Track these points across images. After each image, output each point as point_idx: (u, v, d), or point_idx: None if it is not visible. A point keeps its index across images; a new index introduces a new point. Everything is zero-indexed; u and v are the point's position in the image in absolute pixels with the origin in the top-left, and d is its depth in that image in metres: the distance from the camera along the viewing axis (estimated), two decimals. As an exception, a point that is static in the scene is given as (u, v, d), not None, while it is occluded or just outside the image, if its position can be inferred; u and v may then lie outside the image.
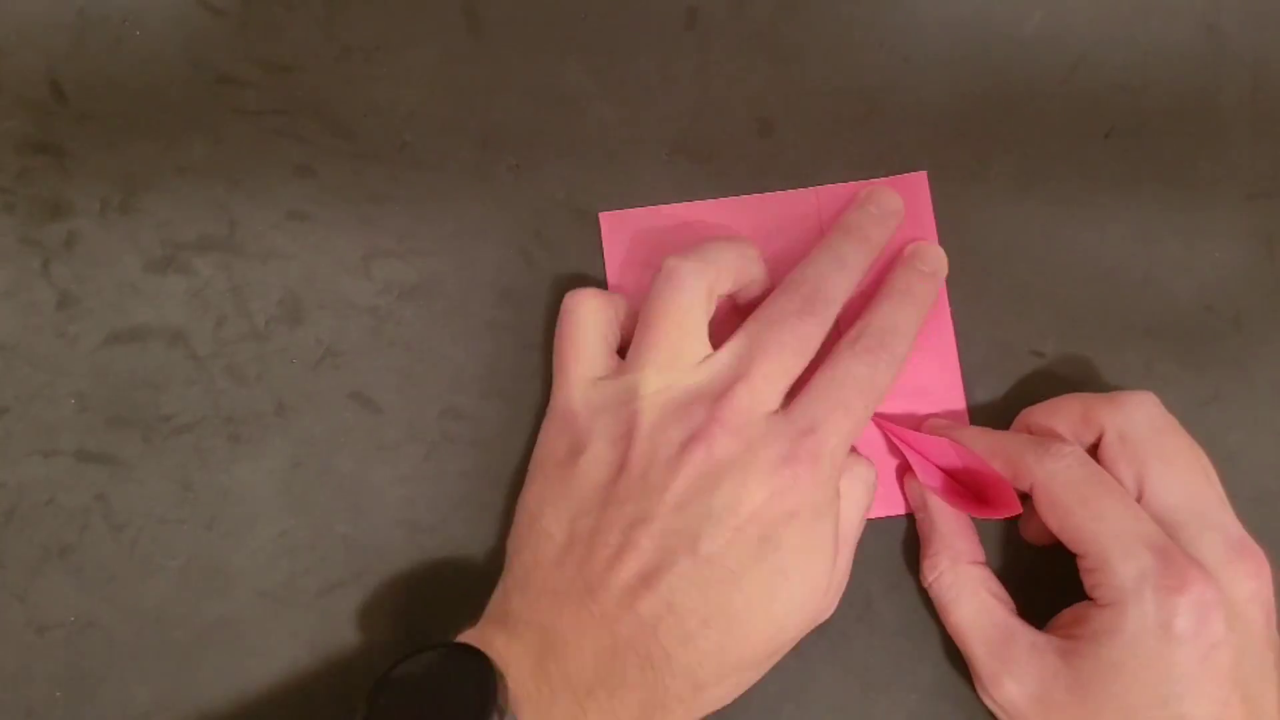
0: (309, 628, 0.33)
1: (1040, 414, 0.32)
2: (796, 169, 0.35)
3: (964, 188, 0.35)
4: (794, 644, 0.30)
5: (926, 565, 0.32)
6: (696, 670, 0.27)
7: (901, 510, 0.33)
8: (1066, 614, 0.30)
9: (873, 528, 0.33)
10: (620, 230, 0.34)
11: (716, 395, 0.29)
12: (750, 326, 0.30)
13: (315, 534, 0.33)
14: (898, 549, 0.33)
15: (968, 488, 0.32)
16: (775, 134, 0.35)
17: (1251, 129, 0.36)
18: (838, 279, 0.31)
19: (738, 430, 0.29)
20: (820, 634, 0.33)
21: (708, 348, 0.30)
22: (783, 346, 0.30)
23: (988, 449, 0.31)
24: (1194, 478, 0.30)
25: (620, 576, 0.28)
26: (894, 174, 0.35)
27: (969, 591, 0.31)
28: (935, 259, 0.33)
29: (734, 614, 0.28)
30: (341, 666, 0.33)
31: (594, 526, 0.29)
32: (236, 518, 0.33)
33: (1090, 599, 0.29)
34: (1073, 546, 0.29)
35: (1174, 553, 0.28)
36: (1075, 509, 0.29)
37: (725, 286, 0.31)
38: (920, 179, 0.34)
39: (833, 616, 0.33)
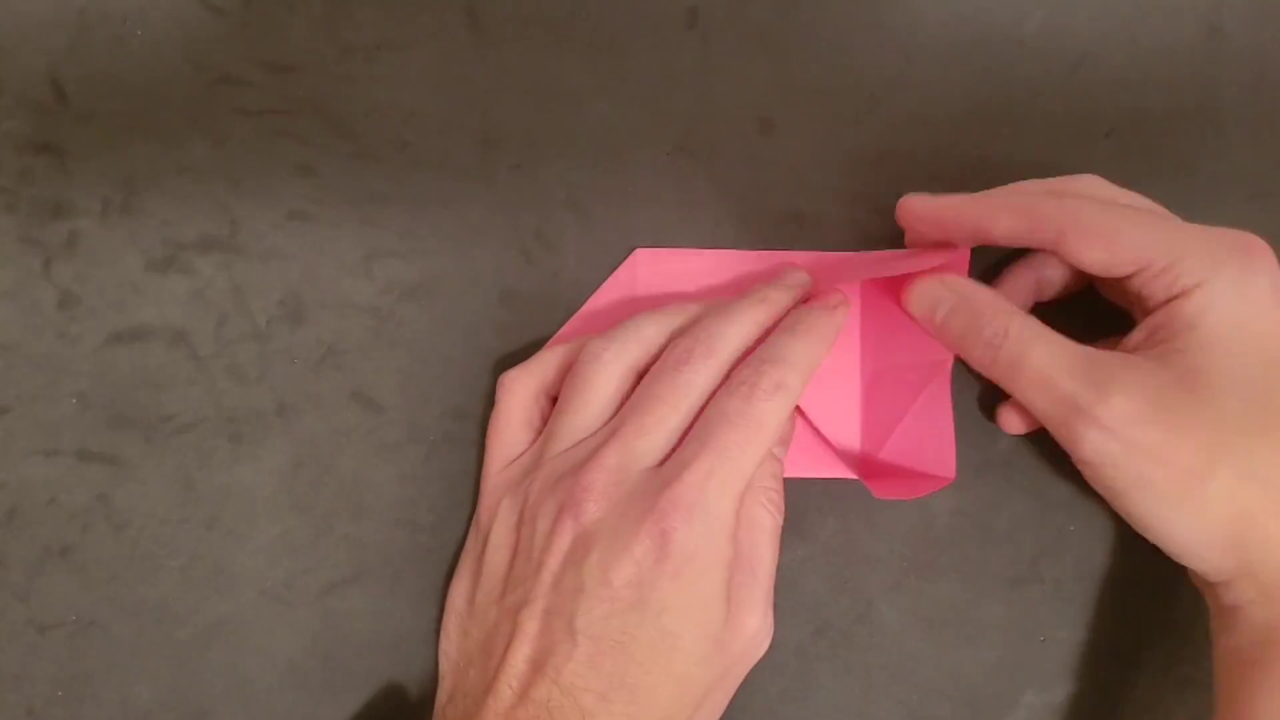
0: (310, 627, 0.33)
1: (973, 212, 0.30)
2: (796, 169, 0.35)
3: (964, 188, 0.35)
4: (739, 676, 0.29)
5: (989, 334, 0.29)
6: None
7: (830, 472, 0.33)
8: (1135, 335, 0.29)
9: (872, 530, 0.33)
10: (645, 267, 0.34)
11: (586, 461, 0.28)
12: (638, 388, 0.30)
13: (316, 534, 0.33)
14: (898, 549, 0.33)
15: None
16: (775, 134, 0.35)
17: (1252, 129, 0.36)
18: (726, 330, 0.29)
19: (604, 493, 0.27)
20: (820, 634, 0.33)
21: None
22: (657, 399, 0.28)
23: (997, 206, 0.29)
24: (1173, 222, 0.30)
25: (514, 667, 0.27)
26: (891, 174, 0.35)
27: (1039, 332, 0.29)
28: (795, 279, 0.32)
29: (633, 684, 0.26)
30: (342, 666, 0.33)
31: (495, 618, 0.28)
32: (238, 517, 0.33)
33: (1157, 305, 0.28)
34: (1129, 263, 0.28)
35: (1228, 231, 0.28)
36: (1121, 227, 0.28)
37: (647, 362, 0.30)
38: (962, 257, 0.31)
39: (832, 616, 0.33)
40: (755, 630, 0.28)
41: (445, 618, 0.31)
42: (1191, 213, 0.35)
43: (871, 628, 0.33)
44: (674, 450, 0.29)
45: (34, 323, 0.34)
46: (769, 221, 0.35)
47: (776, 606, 0.31)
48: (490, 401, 0.33)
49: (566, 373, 0.31)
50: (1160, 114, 0.36)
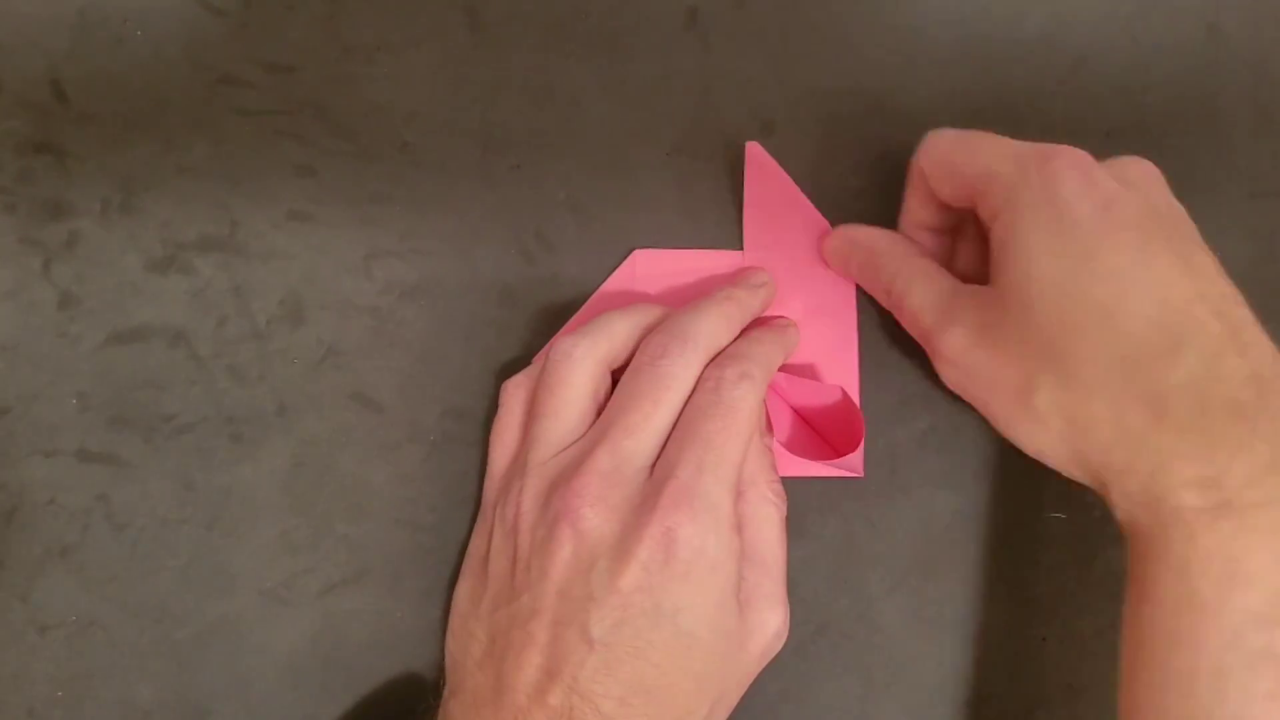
0: (310, 627, 0.33)
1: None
2: (796, 169, 0.35)
3: (964, 187, 0.35)
4: (755, 672, 0.29)
5: (884, 278, 0.31)
6: None
7: (793, 472, 0.33)
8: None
9: (873, 530, 0.33)
10: (644, 268, 0.34)
11: (577, 467, 0.28)
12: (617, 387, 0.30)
13: (316, 534, 0.33)
14: (898, 549, 0.33)
15: (816, 427, 0.33)
16: (775, 134, 0.35)
17: (1252, 128, 0.36)
18: (697, 324, 0.30)
19: (600, 498, 0.27)
20: (820, 634, 0.33)
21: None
22: (639, 396, 0.28)
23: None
24: None
25: (527, 674, 0.27)
26: (891, 174, 0.35)
27: (921, 273, 0.31)
28: (758, 279, 0.33)
29: (651, 686, 0.26)
30: (342, 666, 0.33)
31: (503, 624, 0.28)
32: (238, 517, 0.33)
33: (989, 231, 0.29)
34: (965, 193, 0.29)
35: (1044, 145, 0.28)
36: (958, 159, 0.29)
37: (620, 358, 0.31)
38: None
39: (832, 616, 0.33)
40: (779, 626, 0.29)
41: (451, 615, 0.31)
42: (1192, 212, 0.35)
43: (872, 628, 0.33)
44: (661, 452, 0.29)
45: (34, 323, 0.34)
46: (769, 221, 0.35)
47: (777, 606, 0.31)
48: (490, 401, 0.33)
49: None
50: (1160, 114, 0.36)
